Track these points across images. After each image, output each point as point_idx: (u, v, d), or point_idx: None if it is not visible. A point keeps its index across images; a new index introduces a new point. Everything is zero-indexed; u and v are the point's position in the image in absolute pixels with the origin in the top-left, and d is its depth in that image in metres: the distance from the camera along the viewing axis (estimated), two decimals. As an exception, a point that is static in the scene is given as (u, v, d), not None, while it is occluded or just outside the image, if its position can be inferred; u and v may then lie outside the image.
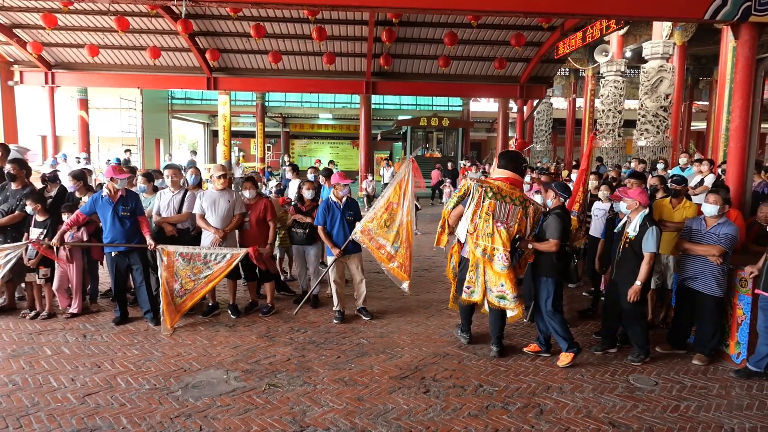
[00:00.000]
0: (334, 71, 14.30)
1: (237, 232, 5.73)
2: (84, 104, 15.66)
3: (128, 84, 15.04)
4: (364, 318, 5.70)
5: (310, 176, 7.67)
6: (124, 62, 14.16)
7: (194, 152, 19.71)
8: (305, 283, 6.29)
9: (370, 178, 14.74)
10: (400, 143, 25.80)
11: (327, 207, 5.57)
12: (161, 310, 5.24)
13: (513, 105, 17.25)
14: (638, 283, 4.43)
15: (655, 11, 5.68)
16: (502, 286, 4.47)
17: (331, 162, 16.18)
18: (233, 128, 17.19)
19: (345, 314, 5.68)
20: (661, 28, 13.99)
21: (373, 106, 16.28)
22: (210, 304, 5.76)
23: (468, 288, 4.65)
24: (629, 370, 4.52)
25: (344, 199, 5.64)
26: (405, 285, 5.46)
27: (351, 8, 7.06)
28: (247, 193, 5.72)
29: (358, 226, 5.40)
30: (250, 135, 26.58)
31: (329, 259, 5.62)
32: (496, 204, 4.49)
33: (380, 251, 5.38)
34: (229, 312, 5.72)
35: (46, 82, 14.11)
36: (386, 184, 13.30)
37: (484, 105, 27.90)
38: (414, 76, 14.68)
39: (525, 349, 4.87)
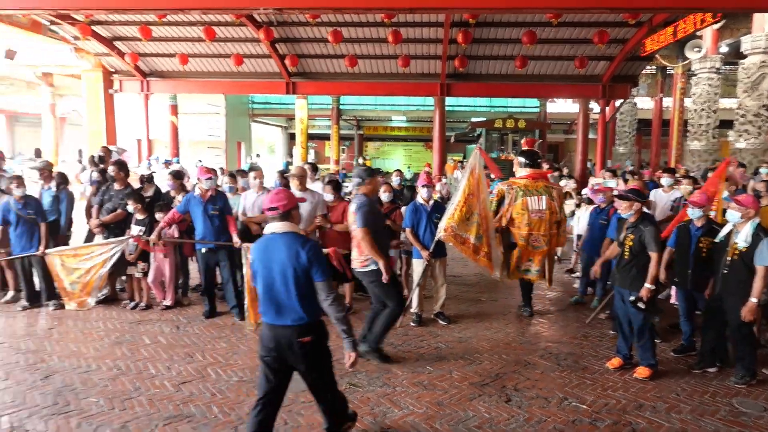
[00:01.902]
0: (408, 74, 14.35)
1: (317, 233, 5.87)
2: (174, 110, 16.72)
3: (214, 90, 15.89)
4: (441, 322, 5.67)
5: (395, 180, 7.66)
6: (210, 69, 14.97)
7: (257, 155, 20.34)
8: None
9: (444, 180, 14.64)
10: (474, 145, 25.46)
11: (415, 209, 5.56)
12: (246, 306, 5.47)
13: (594, 105, 16.51)
14: (753, 300, 4.03)
15: (759, 2, 5.23)
16: (530, 261, 5.70)
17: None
18: (309, 131, 17.67)
19: (422, 317, 5.66)
20: (762, 21, 12.87)
21: (447, 108, 16.14)
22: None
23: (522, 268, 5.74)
24: (732, 393, 4.16)
25: (431, 202, 5.63)
26: (496, 274, 5.56)
27: (429, 10, 7.03)
28: (328, 196, 5.84)
29: (441, 224, 5.34)
30: (326, 137, 27.23)
31: (416, 264, 5.60)
32: (528, 199, 5.57)
33: (465, 246, 5.29)
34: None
35: (142, 90, 15.18)
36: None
37: (563, 106, 26.91)
38: (489, 77, 14.42)
39: (608, 364, 4.61)
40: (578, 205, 8.04)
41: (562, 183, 9.97)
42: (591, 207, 6.60)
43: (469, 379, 4.33)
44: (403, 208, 6.12)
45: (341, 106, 24.91)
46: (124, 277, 6.19)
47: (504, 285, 7.33)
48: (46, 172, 6.23)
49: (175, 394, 3.96)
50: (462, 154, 27.75)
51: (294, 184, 5.65)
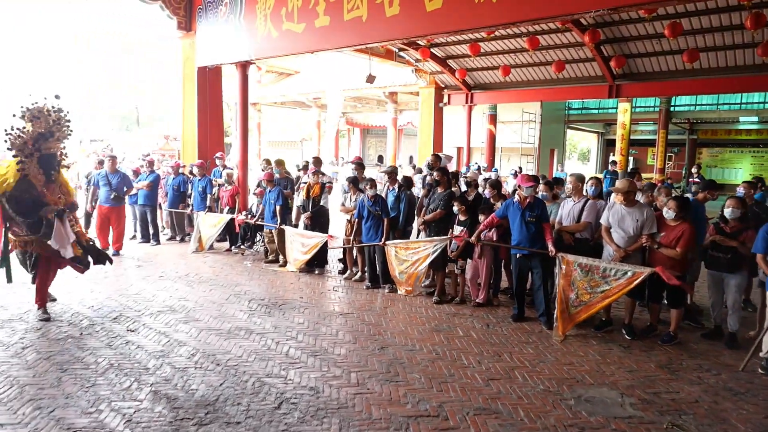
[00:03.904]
0: (763, 64, 11.69)
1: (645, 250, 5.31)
2: (492, 119, 17.69)
3: (531, 98, 16.18)
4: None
5: (740, 191, 6.38)
6: (528, 78, 15.30)
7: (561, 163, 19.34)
8: (719, 317, 5.35)
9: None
10: None
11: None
12: (555, 315, 5.39)
13: None
14: None
15: None
16: None
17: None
18: (631, 136, 16.21)
19: (776, 366, 4.54)
20: None
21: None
22: (603, 319, 5.57)
23: None
24: None
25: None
26: None
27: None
28: (669, 213, 5.14)
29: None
30: (648, 143, 24.56)
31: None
32: None
33: None
34: (624, 332, 5.39)
35: (467, 102, 16.57)
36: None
37: None
38: None
39: None
40: None
41: None
42: None
43: None
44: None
45: (672, 108, 22.01)
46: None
47: None
48: (392, 175, 7.40)
49: (484, 388, 4.18)
50: None
51: (618, 200, 5.27)
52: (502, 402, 3.95)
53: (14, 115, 5.39)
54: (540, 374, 4.47)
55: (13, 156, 5.38)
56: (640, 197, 5.87)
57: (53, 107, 5.54)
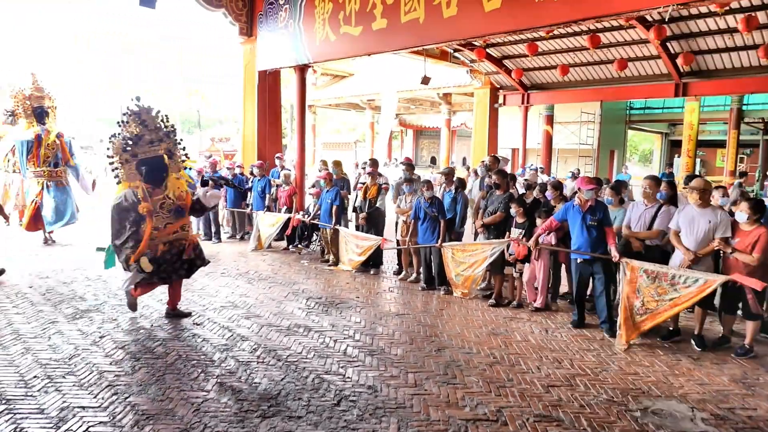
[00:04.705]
0: None
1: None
2: (549, 120, 17.26)
3: (591, 98, 15.67)
4: None
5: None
6: (588, 77, 14.84)
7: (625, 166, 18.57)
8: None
9: None
10: None
11: None
12: (618, 323, 5.21)
13: None
14: None
15: None
16: None
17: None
18: (698, 137, 15.41)
19: None
20: None
21: None
22: (671, 328, 5.33)
23: None
24: None
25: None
26: None
27: None
28: (741, 216, 4.82)
29: None
30: (717, 144, 23.24)
31: None
32: None
33: None
34: (693, 343, 5.13)
35: (522, 103, 16.26)
36: None
37: None
38: None
39: None
40: None
41: None
42: None
43: None
44: None
45: (744, 107, 20.75)
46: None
47: None
48: (449, 177, 7.37)
49: (544, 395, 4.10)
50: None
51: (693, 199, 5.03)
52: (564, 410, 3.86)
53: (123, 121, 5.35)
54: (603, 383, 4.33)
55: (110, 162, 5.34)
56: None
57: (158, 111, 5.51)
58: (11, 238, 9.53)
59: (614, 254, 5.26)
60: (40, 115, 9.17)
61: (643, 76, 13.91)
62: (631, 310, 5.14)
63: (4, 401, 3.70)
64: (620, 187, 6.11)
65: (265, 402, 3.84)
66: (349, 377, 4.30)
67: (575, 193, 5.80)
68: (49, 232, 9.52)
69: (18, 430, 3.35)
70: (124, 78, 47.21)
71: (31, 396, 3.80)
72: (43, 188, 9.11)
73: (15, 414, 3.54)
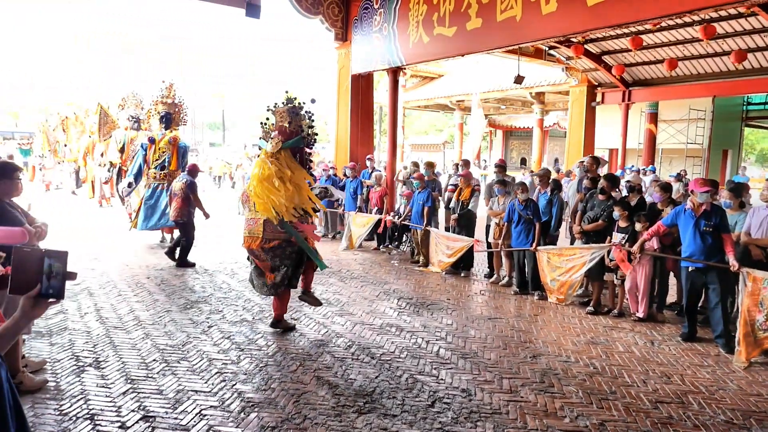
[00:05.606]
0: None
1: None
2: (653, 118, 16.15)
3: (701, 93, 14.44)
4: None
5: None
6: (699, 71, 13.71)
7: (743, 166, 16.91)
8: None
9: None
10: None
11: None
12: (737, 338, 4.77)
13: None
14: None
15: None
16: None
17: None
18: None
19: None
20: None
21: None
22: (801, 347, 4.79)
23: None
24: None
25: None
26: None
27: None
28: None
29: None
30: None
31: None
32: None
33: None
34: (829, 365, 4.59)
35: (623, 100, 15.35)
36: None
37: None
38: None
39: None
40: None
41: None
42: None
43: None
44: None
45: None
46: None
47: None
48: (545, 178, 7.14)
49: (651, 411, 3.84)
50: None
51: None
52: (675, 428, 3.60)
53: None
54: (720, 403, 3.98)
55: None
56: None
57: (309, 111, 5.26)
58: (133, 234, 10.35)
59: (733, 263, 4.82)
60: (167, 120, 9.76)
61: (764, 68, 12.60)
62: (752, 324, 4.68)
63: (130, 381, 4.09)
64: (741, 190, 5.57)
65: (360, 398, 3.93)
66: (442, 379, 4.29)
67: (681, 195, 5.39)
68: (167, 230, 9.92)
69: (142, 407, 3.69)
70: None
71: (151, 378, 4.17)
72: (149, 189, 9.63)
73: (139, 393, 3.90)
